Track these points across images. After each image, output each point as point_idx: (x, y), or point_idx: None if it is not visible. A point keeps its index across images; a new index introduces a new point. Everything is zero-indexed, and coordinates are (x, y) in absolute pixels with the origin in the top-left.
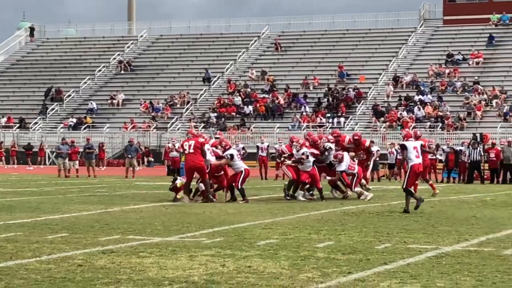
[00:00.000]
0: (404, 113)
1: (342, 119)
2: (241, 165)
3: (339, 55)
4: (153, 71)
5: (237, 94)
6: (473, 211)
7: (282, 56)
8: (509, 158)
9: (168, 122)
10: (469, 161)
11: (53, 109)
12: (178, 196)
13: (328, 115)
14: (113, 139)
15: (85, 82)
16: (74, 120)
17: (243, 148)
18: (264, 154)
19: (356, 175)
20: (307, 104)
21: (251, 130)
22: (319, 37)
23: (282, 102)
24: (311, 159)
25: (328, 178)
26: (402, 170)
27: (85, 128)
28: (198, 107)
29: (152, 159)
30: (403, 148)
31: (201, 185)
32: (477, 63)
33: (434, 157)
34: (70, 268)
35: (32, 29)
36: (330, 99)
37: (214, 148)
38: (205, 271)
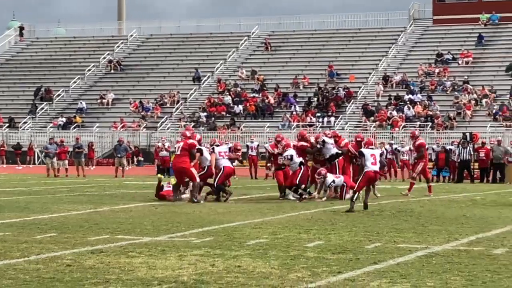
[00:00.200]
0: (394, 113)
1: (332, 119)
2: (222, 162)
3: (329, 54)
4: (143, 71)
5: (227, 93)
6: (463, 210)
7: (272, 56)
8: (499, 157)
9: (158, 122)
10: (459, 160)
11: (42, 108)
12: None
13: (318, 114)
14: (102, 139)
15: (74, 82)
16: (64, 119)
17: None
18: (254, 153)
19: (344, 184)
20: (297, 104)
21: (241, 130)
22: (309, 36)
23: (272, 101)
24: (296, 160)
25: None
26: (392, 169)
27: (74, 128)
28: (188, 107)
29: (142, 159)
30: (361, 155)
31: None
32: (467, 62)
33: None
34: (58, 268)
35: (21, 29)
36: (320, 98)
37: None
38: (195, 271)
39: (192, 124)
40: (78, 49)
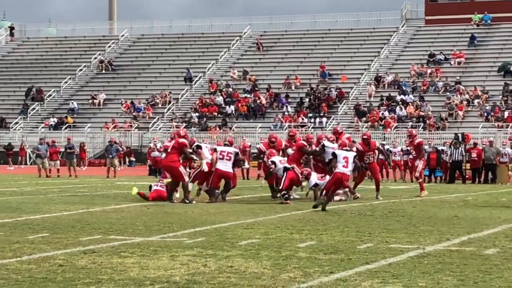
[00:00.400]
0: (386, 113)
1: (324, 119)
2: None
3: (321, 55)
4: (134, 71)
5: (219, 94)
6: (455, 211)
7: (264, 56)
8: (491, 158)
9: (150, 122)
10: (450, 161)
11: (34, 108)
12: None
13: (310, 115)
14: (94, 139)
15: (66, 82)
16: (55, 120)
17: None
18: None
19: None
20: (289, 104)
21: (233, 130)
22: (301, 36)
23: (264, 102)
24: (280, 165)
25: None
26: (384, 169)
27: (66, 128)
28: (179, 107)
29: (134, 159)
30: (334, 156)
31: (204, 185)
32: (459, 63)
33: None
34: (51, 268)
35: (12, 29)
36: (312, 99)
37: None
38: (187, 271)
39: (184, 124)
40: (69, 49)
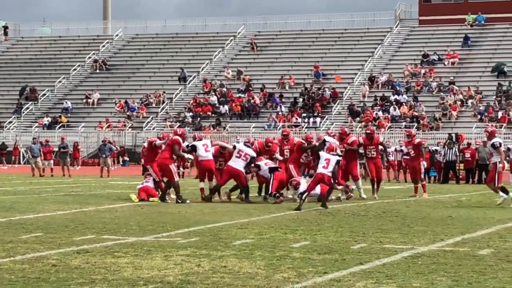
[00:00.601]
0: (380, 113)
1: (318, 119)
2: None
3: (315, 55)
4: (128, 71)
5: (213, 93)
6: (449, 211)
7: (258, 56)
8: (485, 158)
9: (144, 122)
10: (444, 161)
11: (27, 108)
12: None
13: (304, 115)
14: (88, 139)
15: (60, 81)
16: (49, 119)
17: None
18: None
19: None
20: (283, 104)
21: (227, 130)
22: (295, 37)
23: (257, 101)
24: (265, 167)
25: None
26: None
27: (60, 128)
28: (173, 107)
29: (128, 159)
30: (317, 157)
31: (212, 182)
32: (453, 63)
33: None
34: (44, 268)
35: (6, 28)
36: (306, 99)
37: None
38: (180, 271)
39: (178, 124)
40: (63, 48)
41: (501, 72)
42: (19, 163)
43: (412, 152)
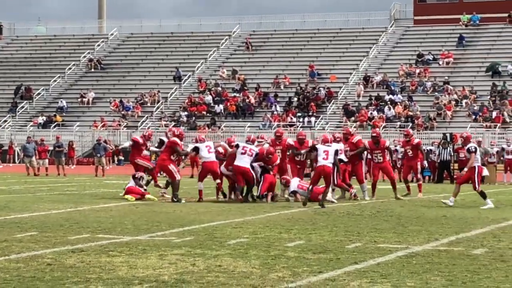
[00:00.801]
0: (375, 113)
1: (312, 119)
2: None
3: (310, 54)
4: (123, 70)
5: (208, 93)
6: (443, 210)
7: (253, 55)
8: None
9: (138, 121)
10: (439, 160)
11: (22, 107)
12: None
13: (299, 114)
14: (83, 138)
15: (55, 81)
16: (44, 118)
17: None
18: None
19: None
20: (278, 104)
21: (222, 129)
22: (290, 36)
23: (252, 101)
24: (258, 169)
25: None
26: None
27: (54, 127)
28: (168, 106)
29: (122, 158)
30: (315, 149)
31: (218, 181)
32: (447, 63)
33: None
34: (39, 267)
35: (1, 27)
36: (301, 98)
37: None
38: (175, 270)
39: (173, 123)
40: (58, 47)
41: (495, 72)
42: (14, 162)
43: (411, 152)
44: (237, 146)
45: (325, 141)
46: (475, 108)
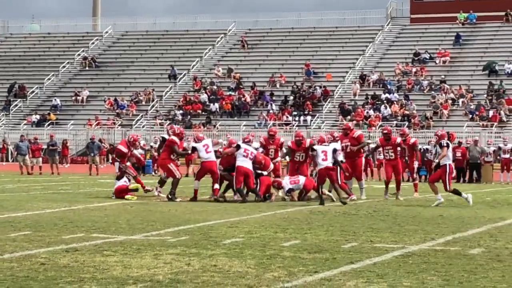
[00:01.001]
0: (371, 112)
1: (308, 118)
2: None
3: (306, 53)
4: (118, 68)
5: (203, 91)
6: (440, 210)
7: (249, 54)
8: (475, 157)
9: (133, 120)
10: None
11: (16, 105)
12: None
13: (295, 113)
14: (77, 136)
15: (49, 79)
16: (38, 116)
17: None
18: None
19: (304, 191)
20: (274, 102)
21: (217, 128)
22: (286, 34)
23: (248, 99)
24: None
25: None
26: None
27: (48, 125)
28: (163, 104)
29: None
30: (313, 150)
31: (216, 186)
32: (444, 62)
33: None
34: (33, 267)
35: None
36: (297, 97)
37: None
38: (170, 270)
39: (168, 122)
40: (52, 45)
41: (492, 71)
42: (8, 160)
43: (407, 152)
44: (238, 147)
45: (321, 141)
46: (472, 107)
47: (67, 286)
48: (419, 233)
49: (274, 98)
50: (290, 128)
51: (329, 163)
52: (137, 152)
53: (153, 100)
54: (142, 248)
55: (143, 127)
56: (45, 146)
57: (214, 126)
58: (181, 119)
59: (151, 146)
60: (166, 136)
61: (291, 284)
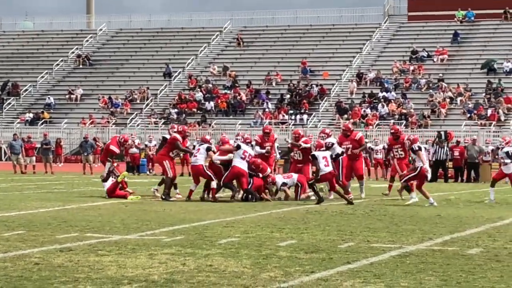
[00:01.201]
0: (368, 110)
1: (305, 116)
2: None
3: (302, 51)
4: (112, 66)
5: (198, 89)
6: (437, 210)
7: (244, 52)
8: (474, 157)
9: (128, 118)
10: (434, 159)
11: (9, 103)
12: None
13: (291, 111)
14: (71, 135)
15: (42, 77)
16: (31, 115)
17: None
18: None
19: (300, 185)
20: (270, 101)
21: (212, 127)
22: (282, 32)
23: (244, 98)
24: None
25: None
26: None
27: (42, 124)
28: (158, 103)
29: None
30: (313, 158)
31: (213, 182)
32: (442, 60)
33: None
34: (26, 267)
35: None
36: (293, 95)
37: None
38: (165, 270)
39: (162, 120)
40: (46, 43)
41: (490, 69)
42: (1, 159)
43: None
44: (238, 147)
45: (319, 147)
46: (470, 105)
47: (62, 286)
48: (416, 233)
49: (270, 96)
50: (286, 127)
51: (331, 168)
52: (132, 151)
53: (147, 99)
54: (137, 248)
55: (137, 125)
56: (38, 145)
57: (209, 124)
58: (176, 118)
59: (146, 145)
60: (167, 136)
61: (287, 284)
